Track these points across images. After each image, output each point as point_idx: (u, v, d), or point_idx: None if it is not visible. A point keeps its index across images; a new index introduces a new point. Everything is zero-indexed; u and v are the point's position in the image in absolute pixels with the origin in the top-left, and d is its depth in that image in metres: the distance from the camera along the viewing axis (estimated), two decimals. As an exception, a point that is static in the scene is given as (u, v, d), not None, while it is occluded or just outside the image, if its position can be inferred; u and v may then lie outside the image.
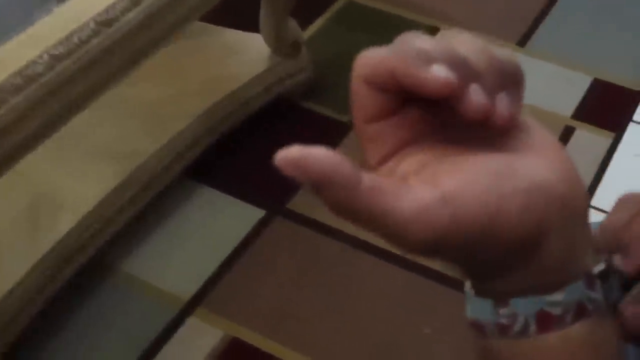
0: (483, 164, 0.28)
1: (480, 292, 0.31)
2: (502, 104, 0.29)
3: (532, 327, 0.29)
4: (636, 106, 1.64)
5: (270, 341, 1.19)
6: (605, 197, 1.42)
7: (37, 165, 1.28)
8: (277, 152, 0.27)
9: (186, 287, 1.27)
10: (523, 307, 0.29)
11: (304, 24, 1.68)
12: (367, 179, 0.27)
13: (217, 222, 1.38)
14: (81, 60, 1.01)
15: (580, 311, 0.29)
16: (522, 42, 1.78)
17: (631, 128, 1.59)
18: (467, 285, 0.32)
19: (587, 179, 1.47)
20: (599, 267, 0.31)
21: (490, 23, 1.82)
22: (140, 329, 1.22)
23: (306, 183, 0.27)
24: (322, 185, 0.27)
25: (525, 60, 1.72)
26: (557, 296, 0.29)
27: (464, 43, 0.29)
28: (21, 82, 1.00)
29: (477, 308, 0.31)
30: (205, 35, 1.63)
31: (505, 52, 0.30)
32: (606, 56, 1.75)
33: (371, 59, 0.30)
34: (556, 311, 0.29)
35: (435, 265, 1.30)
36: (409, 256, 1.31)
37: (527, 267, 0.29)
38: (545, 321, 0.29)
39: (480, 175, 0.28)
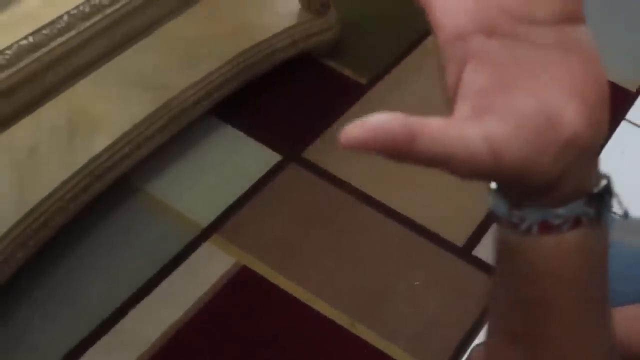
0: (534, 107, 0.31)
1: (500, 190, 0.37)
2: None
3: (535, 230, 0.35)
4: (630, 105, 1.78)
5: (275, 273, 1.34)
6: None
7: (79, 84, 1.39)
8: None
9: (204, 214, 1.41)
10: (530, 214, 0.35)
11: (333, -16, 1.78)
12: (421, 131, 0.30)
13: (238, 159, 1.51)
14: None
15: (576, 223, 0.35)
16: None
17: (623, 126, 1.74)
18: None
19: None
20: (599, 187, 0.36)
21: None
22: (159, 247, 1.36)
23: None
24: (385, 152, 0.30)
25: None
26: (560, 210, 0.35)
27: None
28: (89, 10, 1.12)
29: (496, 203, 0.37)
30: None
31: None
32: (606, 54, 1.88)
33: None
34: (556, 221, 0.35)
35: (430, 225, 1.45)
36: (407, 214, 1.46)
37: (540, 197, 0.35)
38: (545, 227, 0.35)
39: (528, 122, 0.31)
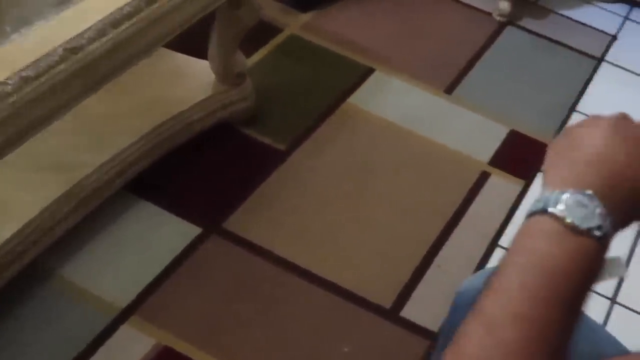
0: None
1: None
2: None
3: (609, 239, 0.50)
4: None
5: (200, 351, 1.31)
6: (511, 238, 1.61)
7: (-14, 169, 1.36)
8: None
9: (122, 295, 1.38)
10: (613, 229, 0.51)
11: (248, 52, 1.82)
12: None
13: (155, 235, 1.49)
14: (48, 83, 1.12)
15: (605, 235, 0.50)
16: (449, 89, 1.97)
17: (540, 178, 1.79)
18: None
19: (498, 220, 1.65)
20: None
21: (422, 69, 2.01)
22: (75, 333, 1.32)
23: None
24: None
25: (450, 108, 1.92)
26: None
27: None
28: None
29: (604, 220, 0.50)
30: (155, 56, 1.74)
31: None
32: (523, 110, 1.97)
33: None
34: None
35: (356, 288, 1.45)
36: (333, 280, 1.46)
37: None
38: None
39: None
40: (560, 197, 0.50)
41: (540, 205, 0.51)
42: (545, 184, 0.54)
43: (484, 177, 1.76)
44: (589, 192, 0.50)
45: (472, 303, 0.79)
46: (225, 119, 1.71)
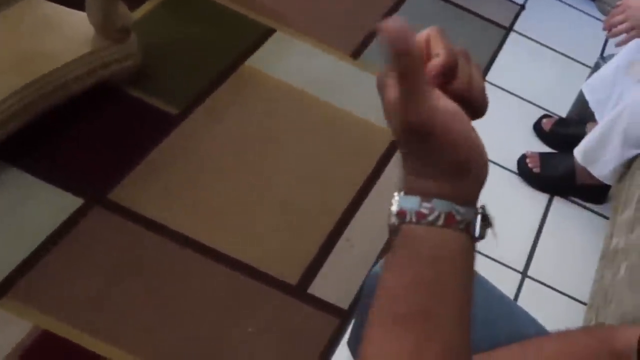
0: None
1: (409, 191, 0.49)
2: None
3: (441, 221, 0.47)
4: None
5: (83, 334, 1.21)
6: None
7: None
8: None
9: (-10, 275, 1.25)
10: (440, 206, 0.48)
11: (133, 5, 1.71)
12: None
13: (29, 208, 1.37)
14: None
15: (467, 227, 0.48)
16: (356, 54, 1.94)
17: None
18: (397, 193, 0.50)
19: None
20: (484, 209, 0.51)
21: (327, 33, 1.97)
22: None
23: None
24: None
25: (357, 73, 1.89)
26: (461, 209, 0.48)
27: None
28: None
29: (405, 202, 0.49)
30: (24, 5, 1.61)
31: None
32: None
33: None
34: (457, 217, 0.48)
35: (260, 264, 1.40)
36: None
37: (454, 179, 0.48)
38: (449, 219, 0.48)
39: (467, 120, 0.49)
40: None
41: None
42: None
43: (394, 146, 1.75)
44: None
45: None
46: (108, 79, 1.60)
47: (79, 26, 1.60)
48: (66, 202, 1.39)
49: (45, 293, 1.25)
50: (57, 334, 1.20)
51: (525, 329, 0.81)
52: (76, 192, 1.41)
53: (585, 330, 0.77)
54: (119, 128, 1.56)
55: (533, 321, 0.85)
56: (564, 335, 0.73)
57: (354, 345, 0.88)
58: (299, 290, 1.38)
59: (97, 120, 1.55)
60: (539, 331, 0.82)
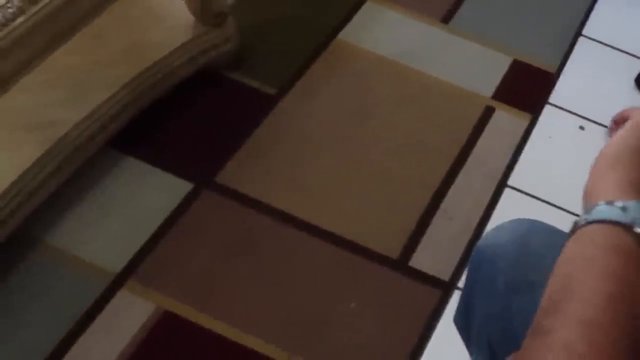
0: None
1: None
2: None
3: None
4: (552, 88, 1.87)
5: (201, 314, 1.35)
6: (521, 177, 1.65)
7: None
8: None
9: (115, 260, 1.40)
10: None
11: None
12: None
13: (144, 194, 1.50)
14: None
15: None
16: (446, 19, 1.98)
17: (547, 110, 1.82)
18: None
19: (505, 159, 1.69)
20: None
21: (416, -1, 2.01)
22: (70, 303, 1.34)
23: None
24: None
25: (448, 38, 1.93)
26: None
27: None
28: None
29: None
30: (124, 0, 1.72)
31: None
32: (526, 37, 1.98)
33: None
34: None
35: (361, 239, 1.49)
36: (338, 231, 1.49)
37: None
38: None
39: None
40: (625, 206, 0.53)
41: (605, 215, 0.54)
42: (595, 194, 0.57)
43: (488, 112, 1.79)
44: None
45: (494, 261, 0.83)
46: (208, 64, 1.71)
47: (179, 15, 1.71)
48: (178, 187, 1.52)
49: (164, 275, 1.39)
50: (178, 314, 1.34)
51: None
52: (187, 177, 1.54)
53: None
54: (221, 111, 1.67)
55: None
56: None
57: (461, 323, 0.94)
58: (401, 264, 1.47)
59: (200, 105, 1.66)
60: None
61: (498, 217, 1.57)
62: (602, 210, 0.53)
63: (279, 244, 1.48)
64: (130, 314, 1.33)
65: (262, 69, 1.76)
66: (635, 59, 2.00)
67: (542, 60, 1.92)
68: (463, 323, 0.93)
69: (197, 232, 1.47)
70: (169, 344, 1.31)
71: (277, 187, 1.56)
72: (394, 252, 1.49)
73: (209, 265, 1.42)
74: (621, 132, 0.61)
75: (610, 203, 0.54)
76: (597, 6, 2.11)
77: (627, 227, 0.52)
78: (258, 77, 1.74)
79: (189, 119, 1.64)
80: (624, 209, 0.53)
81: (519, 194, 1.63)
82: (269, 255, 1.46)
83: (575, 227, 0.55)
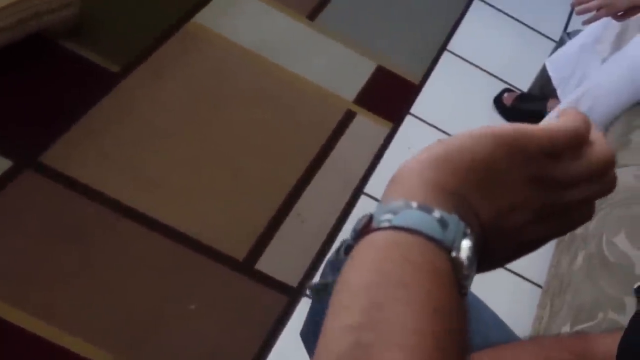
0: None
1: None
2: None
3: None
4: (415, 99, 1.87)
5: (14, 310, 1.19)
6: (378, 185, 1.62)
7: None
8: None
9: None
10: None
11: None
12: None
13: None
14: None
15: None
16: (312, 15, 1.93)
17: (408, 120, 1.81)
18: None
19: (364, 166, 1.65)
20: None
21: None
22: None
23: None
24: None
25: (312, 36, 1.89)
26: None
27: None
28: None
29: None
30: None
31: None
32: (392, 45, 1.98)
33: None
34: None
35: (206, 238, 1.39)
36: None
37: None
38: None
39: None
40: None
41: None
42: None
43: (349, 116, 1.75)
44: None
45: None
46: (43, 30, 1.56)
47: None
48: (-7, 164, 1.36)
49: (-30, 262, 1.22)
50: (-17, 307, 1.17)
51: (493, 333, 0.81)
52: (4, 153, 1.38)
53: (558, 341, 0.76)
54: (53, 84, 1.53)
55: (502, 325, 0.85)
56: (539, 347, 0.72)
57: (306, 337, 0.87)
58: (246, 266, 1.39)
59: (29, 75, 1.51)
60: (510, 337, 0.83)
61: (351, 225, 1.52)
62: (416, 217, 0.44)
63: (111, 236, 1.35)
64: None
65: (104, 43, 1.63)
66: (495, 79, 2.04)
67: (406, 70, 1.92)
68: (309, 338, 0.86)
69: (13, 216, 1.31)
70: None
71: (113, 174, 1.43)
72: (240, 253, 1.40)
73: (26, 255, 1.27)
74: (473, 133, 0.51)
75: (426, 209, 0.44)
76: (463, 23, 2.15)
77: (445, 249, 0.45)
78: (100, 51, 1.61)
79: (14, 90, 1.48)
80: (443, 223, 0.43)
81: (374, 202, 1.59)
82: (99, 247, 1.33)
83: (372, 224, 0.45)
